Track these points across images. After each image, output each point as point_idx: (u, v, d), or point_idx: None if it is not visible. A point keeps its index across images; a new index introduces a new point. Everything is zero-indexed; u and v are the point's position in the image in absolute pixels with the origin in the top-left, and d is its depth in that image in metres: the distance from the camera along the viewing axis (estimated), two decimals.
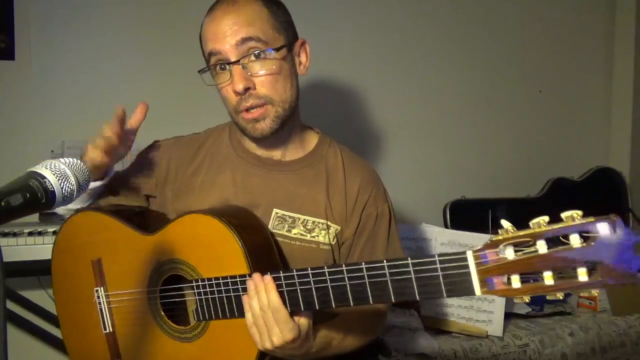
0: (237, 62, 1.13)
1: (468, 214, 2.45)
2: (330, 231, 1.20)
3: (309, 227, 1.20)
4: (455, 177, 2.65)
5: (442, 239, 1.95)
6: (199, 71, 1.20)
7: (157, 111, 2.15)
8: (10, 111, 2.05)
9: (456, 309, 1.90)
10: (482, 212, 2.48)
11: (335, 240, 1.21)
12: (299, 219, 1.20)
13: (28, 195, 0.69)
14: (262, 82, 1.14)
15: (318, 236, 1.20)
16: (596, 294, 0.78)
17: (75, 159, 0.78)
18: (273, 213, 1.20)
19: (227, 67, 1.15)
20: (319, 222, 1.20)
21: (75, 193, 0.75)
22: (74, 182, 0.75)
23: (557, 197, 2.66)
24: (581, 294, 0.79)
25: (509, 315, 1.95)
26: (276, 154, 1.24)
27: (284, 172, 1.23)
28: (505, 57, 2.76)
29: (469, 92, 2.70)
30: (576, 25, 2.92)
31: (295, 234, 1.20)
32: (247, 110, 1.16)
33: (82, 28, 2.11)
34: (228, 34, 1.13)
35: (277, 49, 1.15)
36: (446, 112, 2.66)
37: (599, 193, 2.77)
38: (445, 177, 2.64)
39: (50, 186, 0.72)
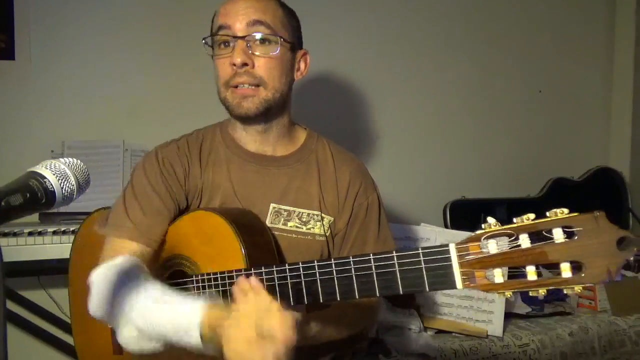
0: (242, 37, 1.17)
1: (468, 214, 2.45)
2: (324, 222, 1.24)
3: (304, 220, 1.23)
4: (455, 177, 2.65)
5: (441, 239, 1.95)
6: (204, 39, 1.23)
7: (157, 111, 2.17)
8: (10, 111, 2.05)
9: (456, 309, 1.90)
10: (482, 212, 2.47)
11: (329, 231, 1.24)
12: (294, 211, 1.23)
13: (28, 195, 0.69)
14: (261, 63, 1.18)
15: (313, 228, 1.23)
16: (579, 291, 0.77)
17: (75, 159, 0.78)
18: (270, 208, 1.23)
19: (232, 42, 1.18)
20: (313, 214, 1.23)
21: (75, 193, 0.75)
22: (74, 182, 0.75)
23: (557, 197, 2.66)
24: (566, 291, 0.78)
25: (509, 315, 1.95)
26: (267, 150, 1.27)
27: (278, 167, 1.26)
28: (505, 57, 2.76)
29: (469, 92, 2.70)
30: (576, 25, 2.92)
31: (291, 226, 1.23)
32: (238, 86, 1.18)
33: (81, 28, 2.11)
34: (241, 12, 1.18)
35: (284, 39, 1.20)
36: (446, 112, 2.66)
37: (599, 193, 2.77)
38: (445, 177, 2.64)
39: (50, 186, 0.72)
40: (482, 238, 0.80)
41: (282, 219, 1.23)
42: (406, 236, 1.99)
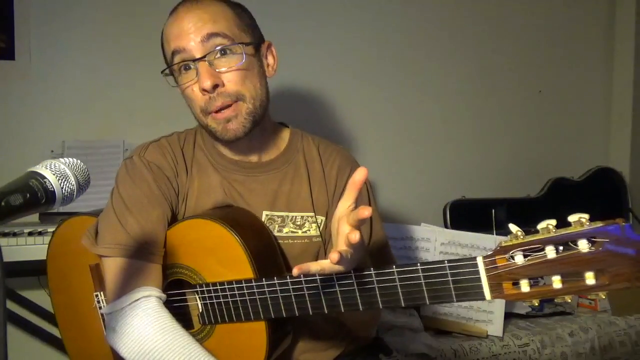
0: (202, 58, 1.09)
1: (468, 214, 2.45)
2: (319, 222, 1.21)
3: (298, 223, 1.20)
4: (455, 177, 2.65)
5: (441, 239, 1.95)
6: (162, 72, 1.16)
7: (157, 111, 2.16)
8: (10, 111, 2.05)
9: (456, 309, 1.90)
10: (482, 212, 2.48)
11: (324, 230, 1.21)
12: (288, 216, 1.20)
13: (28, 195, 0.69)
14: (230, 78, 1.10)
15: (309, 230, 1.20)
16: (603, 297, 0.79)
17: (75, 159, 0.78)
18: (263, 216, 1.19)
19: (192, 65, 1.10)
20: (307, 216, 1.20)
21: (75, 193, 0.75)
22: (74, 182, 0.75)
23: (557, 197, 2.65)
24: (588, 297, 0.80)
25: (509, 315, 1.95)
26: (253, 158, 1.21)
27: (265, 173, 1.21)
28: (505, 57, 2.76)
29: (469, 92, 2.70)
30: (576, 25, 2.92)
31: (286, 232, 1.19)
32: (218, 111, 1.11)
33: (81, 28, 2.11)
34: (192, 30, 1.09)
35: (245, 44, 1.12)
36: (446, 112, 2.66)
37: (599, 193, 2.77)
38: (445, 177, 2.64)
39: (50, 186, 0.72)
40: (510, 251, 0.81)
41: (277, 226, 1.19)
42: (406, 236, 1.99)
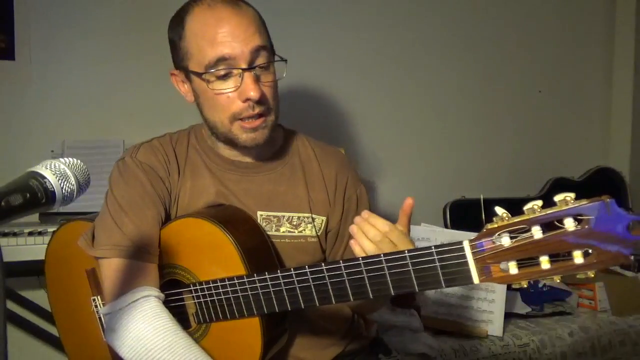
0: (251, 68, 1.09)
1: (468, 214, 2.45)
2: (315, 223, 1.21)
3: (294, 223, 1.20)
4: (455, 177, 2.65)
5: (441, 238, 1.95)
6: (201, 76, 1.10)
7: (157, 111, 2.17)
8: (10, 111, 2.05)
9: (456, 309, 1.90)
10: (482, 212, 2.48)
11: (321, 230, 1.22)
12: (284, 216, 1.20)
13: (28, 195, 0.69)
14: (268, 91, 1.12)
15: (305, 230, 1.21)
16: (592, 275, 0.78)
17: (75, 159, 0.78)
18: (258, 216, 1.19)
19: (235, 72, 1.09)
20: (304, 217, 1.21)
21: (75, 193, 0.75)
22: (74, 182, 0.75)
23: None
24: (578, 276, 0.79)
25: (509, 315, 1.95)
26: (249, 158, 1.22)
27: (261, 173, 1.22)
28: (505, 57, 2.76)
29: (469, 92, 2.70)
30: (576, 25, 2.92)
31: (283, 232, 1.20)
32: (246, 118, 1.11)
33: (82, 28, 2.11)
34: (242, 38, 1.08)
35: (280, 58, 1.15)
36: (446, 112, 2.67)
37: (599, 193, 2.75)
38: (445, 177, 2.64)
39: (50, 186, 0.72)
40: (495, 233, 0.80)
41: (274, 226, 1.19)
42: None
